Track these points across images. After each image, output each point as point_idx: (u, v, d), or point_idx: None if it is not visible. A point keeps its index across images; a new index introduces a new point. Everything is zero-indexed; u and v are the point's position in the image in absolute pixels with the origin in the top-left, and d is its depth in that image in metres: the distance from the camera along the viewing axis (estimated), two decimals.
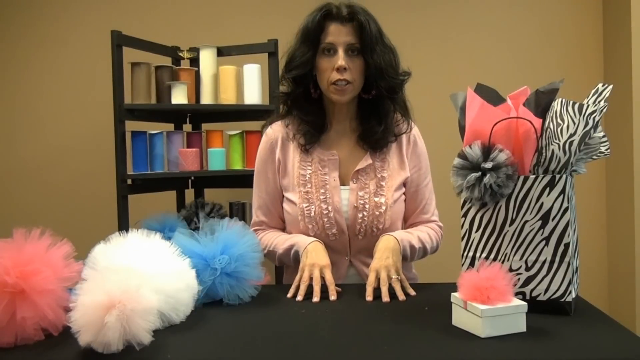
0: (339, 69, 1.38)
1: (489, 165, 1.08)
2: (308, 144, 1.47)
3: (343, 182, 1.47)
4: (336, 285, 1.27)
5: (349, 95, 1.42)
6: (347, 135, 1.51)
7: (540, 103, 1.11)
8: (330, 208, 1.43)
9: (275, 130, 1.53)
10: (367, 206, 1.43)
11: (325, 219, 1.43)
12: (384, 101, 1.46)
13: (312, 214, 1.43)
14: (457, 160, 1.12)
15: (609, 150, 1.12)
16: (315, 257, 1.31)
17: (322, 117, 1.49)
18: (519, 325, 0.96)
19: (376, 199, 1.43)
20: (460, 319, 0.99)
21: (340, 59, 1.38)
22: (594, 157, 1.12)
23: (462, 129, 1.18)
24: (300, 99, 1.48)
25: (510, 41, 2.73)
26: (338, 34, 1.40)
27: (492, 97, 1.16)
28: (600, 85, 1.08)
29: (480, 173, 1.09)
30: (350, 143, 1.50)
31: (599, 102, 1.06)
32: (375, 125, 1.46)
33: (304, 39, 1.43)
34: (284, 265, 1.53)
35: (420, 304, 1.16)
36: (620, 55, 2.52)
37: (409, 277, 1.51)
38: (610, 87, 1.07)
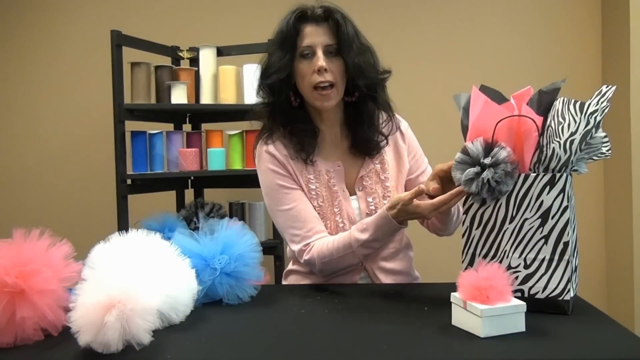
0: (319, 70, 1.33)
1: (488, 161, 1.08)
2: (310, 156, 1.41)
3: (349, 191, 1.44)
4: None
5: (333, 100, 1.37)
6: (342, 143, 1.46)
7: (543, 103, 1.12)
8: (345, 221, 1.40)
9: (278, 148, 1.42)
10: (378, 211, 1.39)
11: (341, 232, 1.39)
12: (367, 102, 1.42)
13: (328, 229, 1.40)
14: (458, 155, 1.13)
15: (609, 151, 1.12)
16: (405, 213, 1.26)
17: (309, 123, 1.42)
18: (518, 325, 0.96)
19: (385, 202, 1.41)
20: (459, 318, 0.99)
21: (320, 60, 1.33)
22: (595, 157, 1.12)
23: (464, 129, 1.18)
24: (283, 108, 1.40)
25: (511, 42, 2.73)
26: (315, 35, 1.35)
27: (495, 98, 1.16)
28: (604, 87, 1.08)
29: (479, 168, 1.09)
30: (345, 150, 1.46)
31: (602, 102, 1.06)
32: (363, 130, 1.42)
33: (279, 44, 1.36)
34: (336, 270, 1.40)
35: (420, 304, 1.16)
36: (618, 56, 2.52)
37: (412, 277, 1.51)
38: (614, 88, 1.07)
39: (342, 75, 1.37)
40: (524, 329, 0.96)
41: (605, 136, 1.11)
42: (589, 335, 0.96)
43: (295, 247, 1.39)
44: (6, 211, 2.80)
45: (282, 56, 1.36)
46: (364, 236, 1.32)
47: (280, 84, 1.37)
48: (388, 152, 1.47)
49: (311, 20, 1.36)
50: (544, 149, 1.08)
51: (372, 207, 1.41)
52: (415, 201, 1.24)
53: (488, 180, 1.08)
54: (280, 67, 1.35)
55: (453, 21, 2.75)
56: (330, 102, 1.37)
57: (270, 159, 1.42)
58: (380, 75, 1.41)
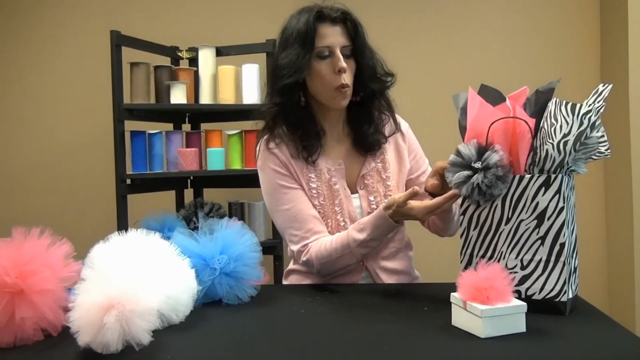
0: (340, 71, 1.34)
1: (478, 165, 1.09)
2: (313, 155, 1.41)
3: (350, 190, 1.43)
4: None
5: (348, 99, 1.39)
6: (344, 141, 1.46)
7: (539, 102, 1.12)
8: (346, 219, 1.40)
9: (281, 147, 1.41)
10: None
11: (339, 233, 1.38)
12: (372, 102, 1.43)
13: (329, 228, 1.40)
14: (451, 157, 1.14)
15: (609, 151, 1.12)
16: (400, 213, 1.26)
17: (314, 124, 1.43)
18: (519, 325, 0.96)
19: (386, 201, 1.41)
20: (459, 319, 0.99)
21: (341, 61, 1.33)
22: (594, 157, 1.12)
23: (462, 130, 1.18)
24: (294, 108, 1.39)
25: (511, 42, 2.73)
26: (333, 36, 1.34)
27: (495, 97, 1.16)
28: (600, 85, 1.08)
29: (470, 171, 1.10)
30: (347, 149, 1.46)
31: (598, 101, 1.06)
32: (366, 129, 1.43)
33: (297, 42, 1.34)
34: (333, 271, 1.40)
35: (420, 304, 1.16)
36: (617, 55, 2.52)
37: (412, 277, 1.51)
38: (610, 86, 1.06)
39: (353, 76, 1.39)
40: (524, 330, 0.96)
41: (602, 135, 1.11)
42: (589, 336, 0.96)
43: (294, 248, 1.40)
44: (6, 211, 2.79)
45: (301, 54, 1.33)
46: (362, 236, 1.31)
47: (294, 85, 1.36)
48: (389, 152, 1.48)
49: (328, 21, 1.36)
50: (538, 150, 1.09)
51: (374, 206, 1.41)
52: (410, 203, 1.25)
53: (478, 184, 1.08)
54: (300, 67, 1.33)
55: (453, 21, 2.75)
56: (346, 100, 1.39)
57: (272, 158, 1.41)
58: (389, 78, 1.43)
